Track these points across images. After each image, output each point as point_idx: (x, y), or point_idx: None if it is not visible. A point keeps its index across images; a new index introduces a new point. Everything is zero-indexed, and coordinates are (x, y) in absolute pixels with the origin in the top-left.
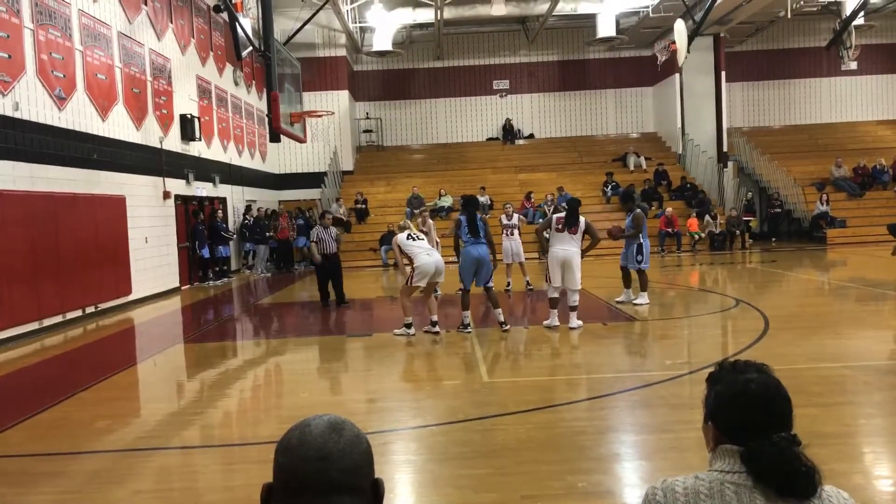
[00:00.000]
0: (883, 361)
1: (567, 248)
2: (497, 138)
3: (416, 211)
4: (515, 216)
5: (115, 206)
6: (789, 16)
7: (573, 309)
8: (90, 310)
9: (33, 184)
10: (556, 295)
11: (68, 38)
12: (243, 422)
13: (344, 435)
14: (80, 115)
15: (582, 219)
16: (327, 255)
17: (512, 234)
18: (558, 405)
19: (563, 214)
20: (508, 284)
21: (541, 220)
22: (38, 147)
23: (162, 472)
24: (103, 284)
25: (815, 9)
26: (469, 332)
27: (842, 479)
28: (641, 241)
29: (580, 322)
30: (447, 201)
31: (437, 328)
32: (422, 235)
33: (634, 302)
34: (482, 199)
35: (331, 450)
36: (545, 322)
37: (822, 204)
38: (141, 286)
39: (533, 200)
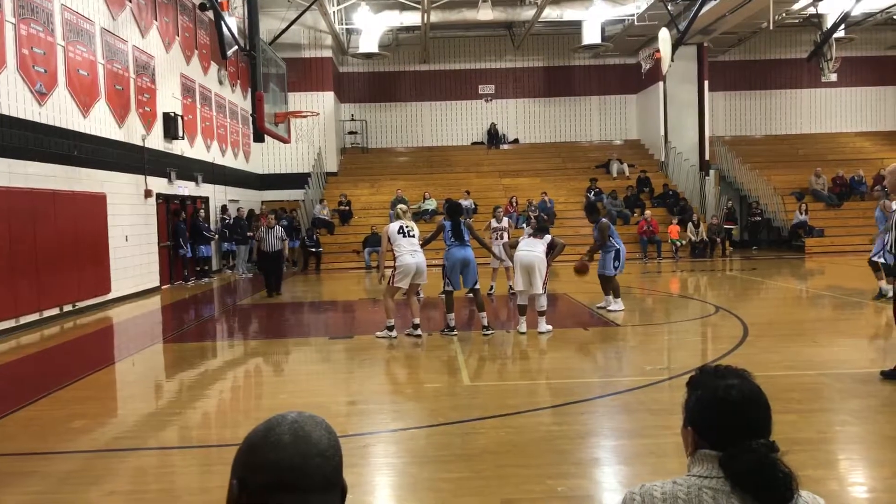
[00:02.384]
0: (858, 370)
1: (531, 249)
2: (482, 142)
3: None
4: (505, 220)
5: (96, 204)
6: (772, 27)
7: (541, 314)
8: (68, 308)
9: (11, 180)
10: (524, 302)
11: (50, 33)
12: (222, 423)
13: (330, 431)
14: (60, 111)
15: (549, 235)
16: (270, 252)
17: (501, 237)
18: (539, 409)
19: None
20: (491, 288)
21: (524, 226)
22: (16, 142)
23: (138, 473)
24: (82, 282)
25: (797, 21)
26: (454, 334)
27: (818, 486)
28: (618, 246)
29: (549, 326)
30: (431, 204)
31: (419, 331)
32: (414, 231)
33: (609, 308)
34: (466, 202)
35: (326, 446)
36: (517, 328)
37: (801, 213)
38: (120, 285)
39: (516, 205)
